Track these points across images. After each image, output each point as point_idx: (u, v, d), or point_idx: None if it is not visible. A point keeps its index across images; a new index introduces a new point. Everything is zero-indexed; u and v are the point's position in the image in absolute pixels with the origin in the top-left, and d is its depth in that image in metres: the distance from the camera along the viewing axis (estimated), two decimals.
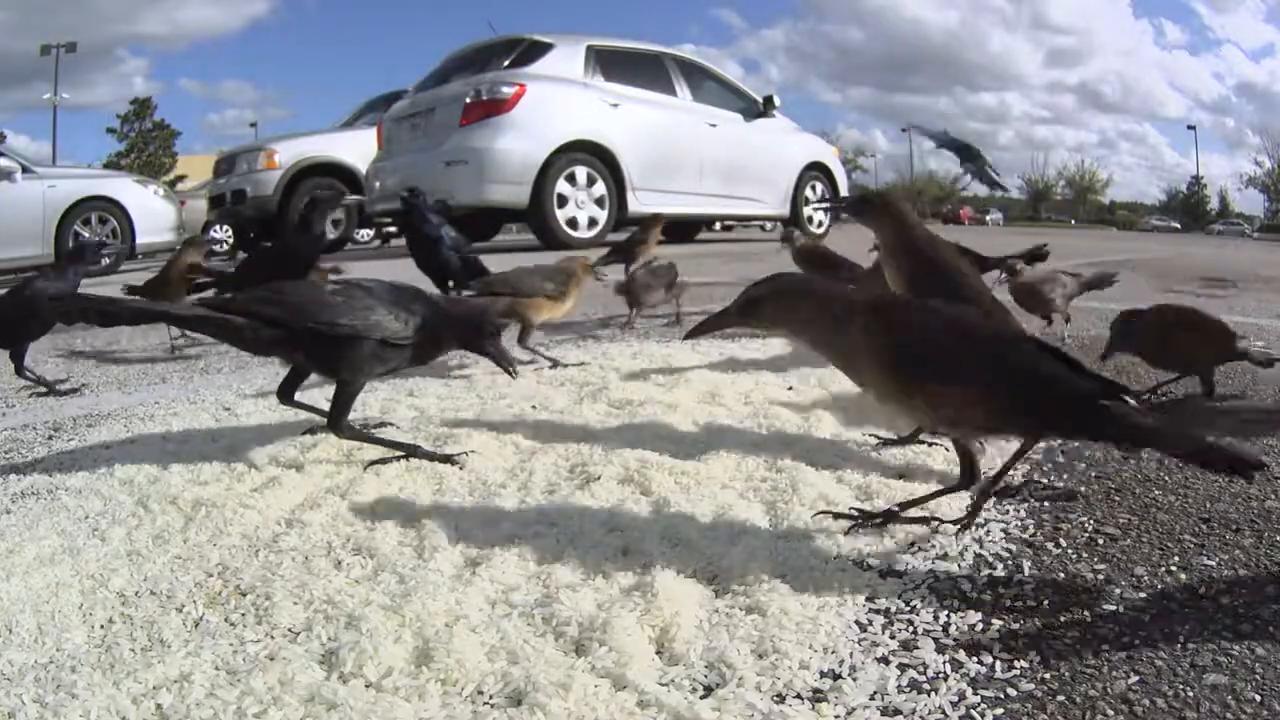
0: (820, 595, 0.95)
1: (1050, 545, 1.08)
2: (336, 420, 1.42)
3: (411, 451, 1.43)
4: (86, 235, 7.04)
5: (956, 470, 1.23)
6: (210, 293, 2.63)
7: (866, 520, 1.12)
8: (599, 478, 1.31)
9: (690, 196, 7.62)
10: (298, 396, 1.53)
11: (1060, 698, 0.76)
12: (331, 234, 8.15)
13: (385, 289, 1.43)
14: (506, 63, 7.32)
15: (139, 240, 7.44)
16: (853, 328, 1.08)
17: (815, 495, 1.22)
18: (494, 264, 2.80)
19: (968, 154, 3.82)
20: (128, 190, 7.54)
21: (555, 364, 2.21)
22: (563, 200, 6.98)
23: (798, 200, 8.47)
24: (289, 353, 1.45)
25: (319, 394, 1.70)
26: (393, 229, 8.21)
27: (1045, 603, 0.93)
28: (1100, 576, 0.99)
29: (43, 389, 2.21)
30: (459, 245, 2.88)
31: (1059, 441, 1.49)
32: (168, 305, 1.48)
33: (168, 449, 1.55)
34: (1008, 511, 1.19)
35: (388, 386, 2.04)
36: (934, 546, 1.08)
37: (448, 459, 1.42)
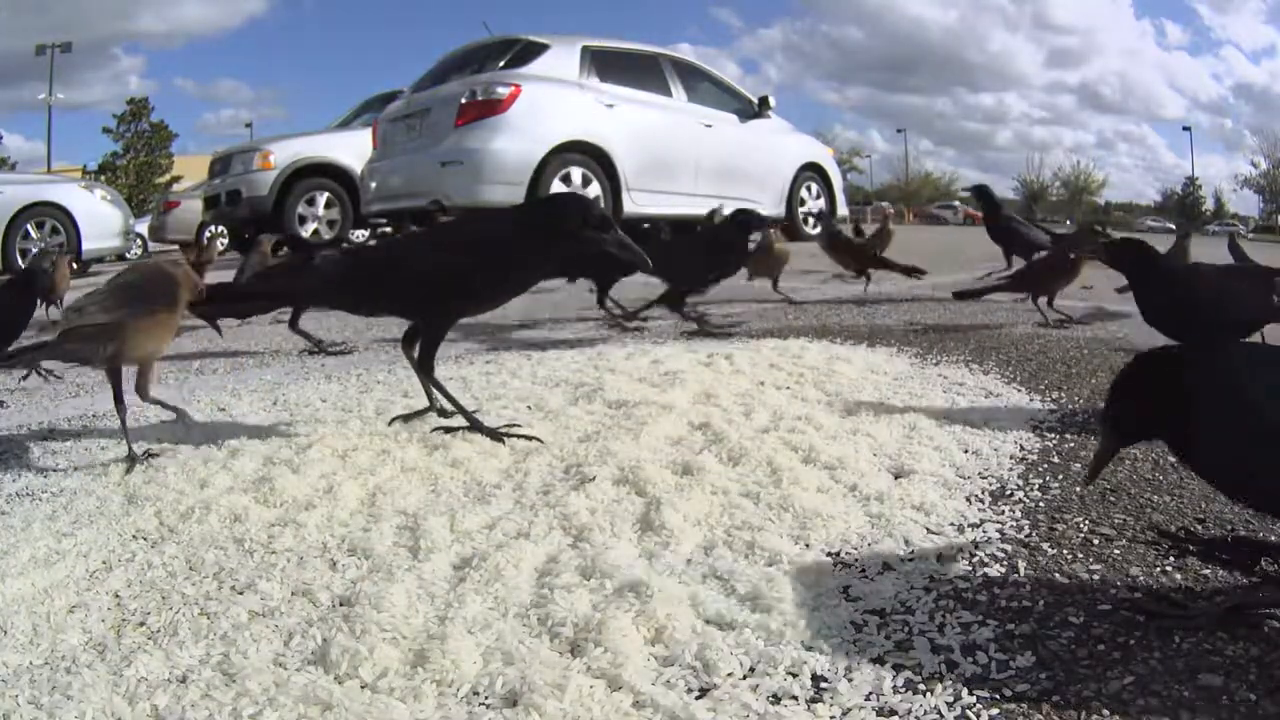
0: (815, 595, 0.95)
1: (1046, 546, 1.08)
2: (425, 362, 1.56)
3: (476, 424, 1.54)
4: (34, 239, 6.99)
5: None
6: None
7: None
8: (594, 478, 1.31)
9: (685, 197, 7.61)
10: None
11: (1056, 698, 0.76)
12: (327, 234, 8.14)
13: (474, 221, 1.59)
14: (502, 63, 7.31)
15: (85, 246, 7.32)
16: None
17: (811, 494, 1.22)
18: None
19: None
20: (73, 195, 7.40)
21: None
22: None
23: (793, 201, 8.48)
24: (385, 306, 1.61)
25: (317, 392, 1.71)
26: (388, 229, 8.17)
27: (1041, 603, 0.94)
28: (1096, 577, 1.00)
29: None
30: None
31: (1054, 443, 1.50)
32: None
33: (163, 449, 1.54)
34: (1003, 513, 1.19)
35: (383, 388, 2.04)
36: (930, 546, 1.08)
37: (497, 436, 1.52)
